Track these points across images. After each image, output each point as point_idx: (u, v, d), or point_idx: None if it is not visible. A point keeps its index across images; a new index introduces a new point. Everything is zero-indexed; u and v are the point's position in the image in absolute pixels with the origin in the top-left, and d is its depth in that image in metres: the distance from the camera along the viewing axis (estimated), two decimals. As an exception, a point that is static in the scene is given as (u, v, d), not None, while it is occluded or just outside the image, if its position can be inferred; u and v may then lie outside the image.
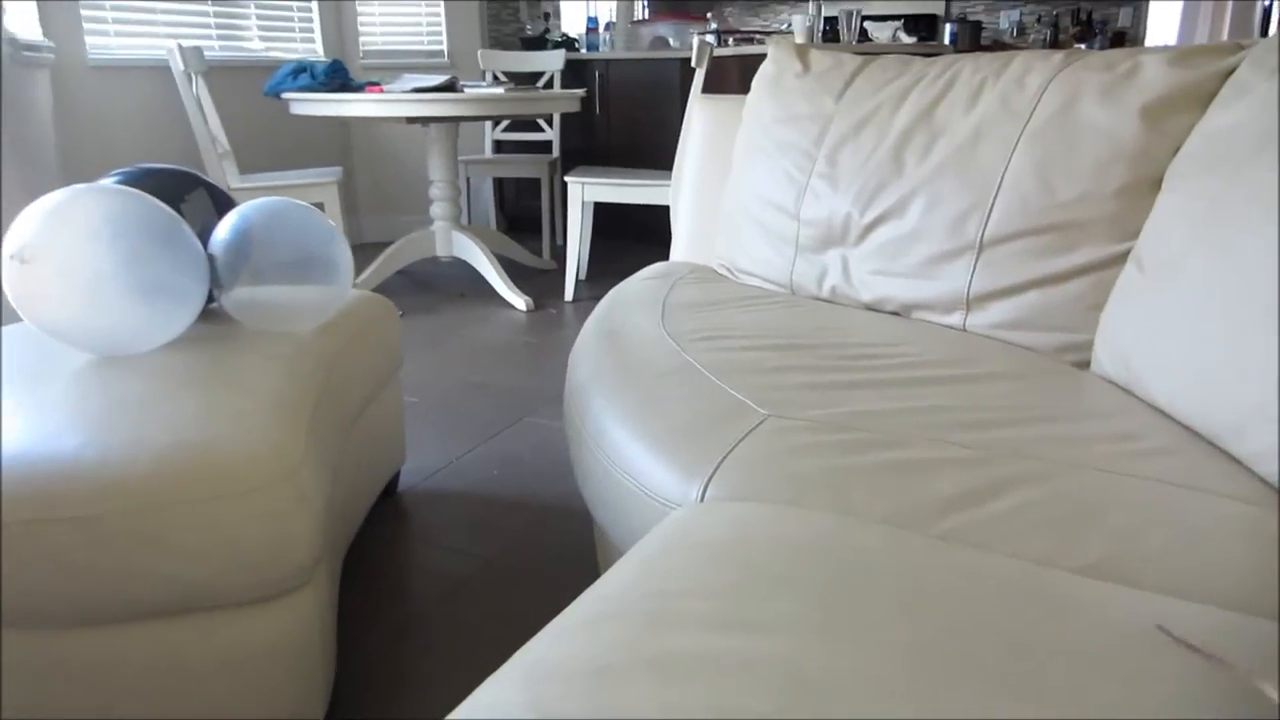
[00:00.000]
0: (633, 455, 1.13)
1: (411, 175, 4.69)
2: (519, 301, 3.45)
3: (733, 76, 4.21)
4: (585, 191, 3.53)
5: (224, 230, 1.39)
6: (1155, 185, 1.42)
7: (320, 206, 3.29)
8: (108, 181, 1.39)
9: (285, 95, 3.17)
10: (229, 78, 3.80)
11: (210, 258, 1.37)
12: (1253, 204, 1.15)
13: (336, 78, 3.20)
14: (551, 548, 1.78)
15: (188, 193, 1.46)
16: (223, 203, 1.50)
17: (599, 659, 0.67)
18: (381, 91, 3.11)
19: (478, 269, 3.59)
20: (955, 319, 1.59)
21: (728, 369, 1.28)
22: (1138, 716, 0.64)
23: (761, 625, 0.70)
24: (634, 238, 4.59)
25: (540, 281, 3.84)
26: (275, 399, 1.23)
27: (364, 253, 3.89)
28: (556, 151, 4.40)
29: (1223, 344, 1.10)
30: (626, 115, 4.61)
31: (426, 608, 1.59)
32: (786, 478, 0.99)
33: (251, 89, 3.57)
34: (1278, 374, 1.00)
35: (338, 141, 4.59)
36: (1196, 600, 0.80)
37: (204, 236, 1.41)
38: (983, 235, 1.54)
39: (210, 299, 1.43)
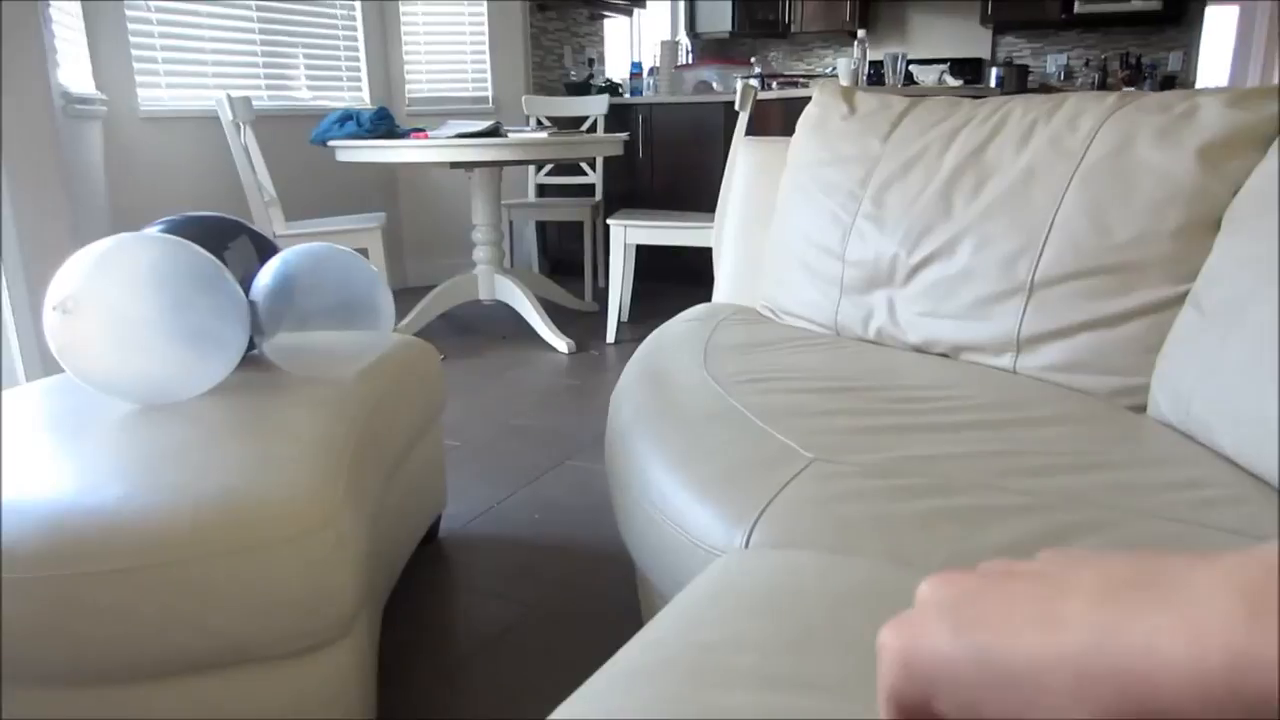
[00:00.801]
0: (676, 500, 1.11)
1: (455, 220, 4.75)
2: (561, 344, 3.45)
3: (777, 120, 4.22)
4: (627, 234, 3.54)
5: (266, 276, 1.40)
6: (1214, 226, 1.38)
7: (364, 251, 3.34)
8: (152, 230, 1.41)
9: (331, 143, 3.24)
10: (277, 126, 3.90)
11: (252, 304, 1.39)
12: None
13: (382, 125, 3.26)
14: (594, 593, 1.75)
15: (231, 240, 1.48)
16: (265, 249, 1.52)
17: (646, 715, 0.64)
18: (426, 137, 3.16)
19: (520, 311, 3.61)
20: (1005, 361, 1.55)
21: (772, 412, 1.26)
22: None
23: (813, 682, 0.66)
24: (676, 280, 4.59)
25: (582, 324, 3.85)
26: (315, 445, 1.22)
27: (408, 297, 3.93)
28: (599, 195, 4.43)
29: (1292, 387, 1.06)
30: (669, 159, 4.64)
31: (468, 655, 1.57)
32: (834, 524, 0.96)
33: (299, 137, 3.65)
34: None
35: (383, 187, 4.67)
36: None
37: (246, 283, 1.43)
38: (1034, 276, 1.51)
39: (251, 345, 1.44)
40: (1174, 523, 0.97)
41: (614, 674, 0.71)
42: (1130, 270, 1.43)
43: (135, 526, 1.01)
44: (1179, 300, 1.39)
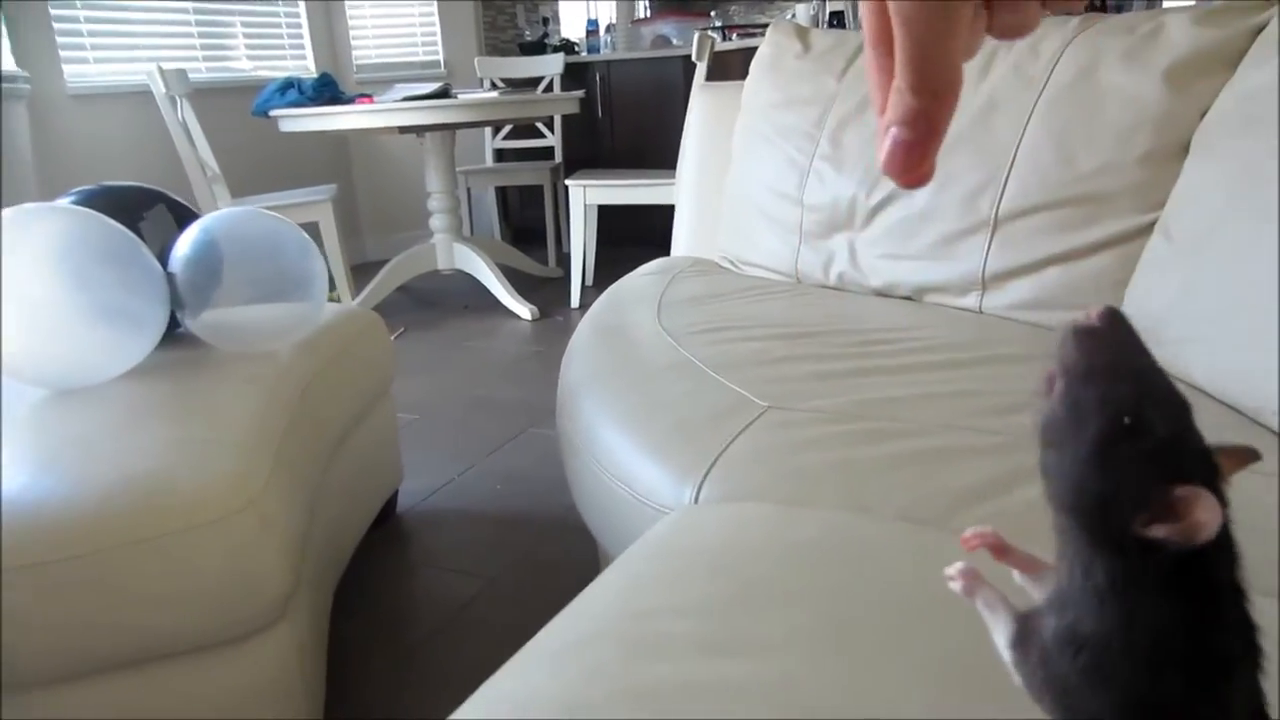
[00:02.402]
0: (624, 458, 1.04)
1: (412, 190, 4.62)
2: (524, 311, 3.36)
3: (736, 72, 4.10)
4: (587, 194, 3.44)
5: (185, 246, 1.31)
6: (1182, 151, 1.31)
7: (316, 226, 3.23)
8: (63, 202, 1.31)
9: (274, 113, 3.11)
10: (217, 99, 3.74)
11: (170, 276, 1.30)
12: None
13: (326, 91, 3.14)
14: (559, 565, 1.69)
15: (146, 209, 1.38)
16: (186, 218, 1.42)
17: (569, 693, 0.58)
18: (372, 103, 3.04)
19: (481, 280, 3.51)
20: (971, 300, 1.48)
21: (727, 363, 1.19)
22: None
23: (757, 646, 0.60)
24: (641, 242, 4.48)
25: (546, 290, 3.76)
26: (239, 425, 1.14)
27: (367, 271, 3.82)
28: (559, 158, 4.32)
29: (1266, 314, 1.00)
30: (630, 118, 4.53)
31: (428, 636, 1.50)
32: (789, 473, 0.89)
33: (241, 110, 3.50)
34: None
35: (334, 160, 4.53)
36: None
37: (165, 255, 1.33)
38: (997, 211, 1.44)
39: (176, 323, 1.35)
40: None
41: (540, 650, 0.65)
42: (1097, 200, 1.37)
43: (38, 520, 0.93)
44: (1148, 230, 1.32)
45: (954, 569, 0.35)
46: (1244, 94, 1.22)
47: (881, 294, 1.60)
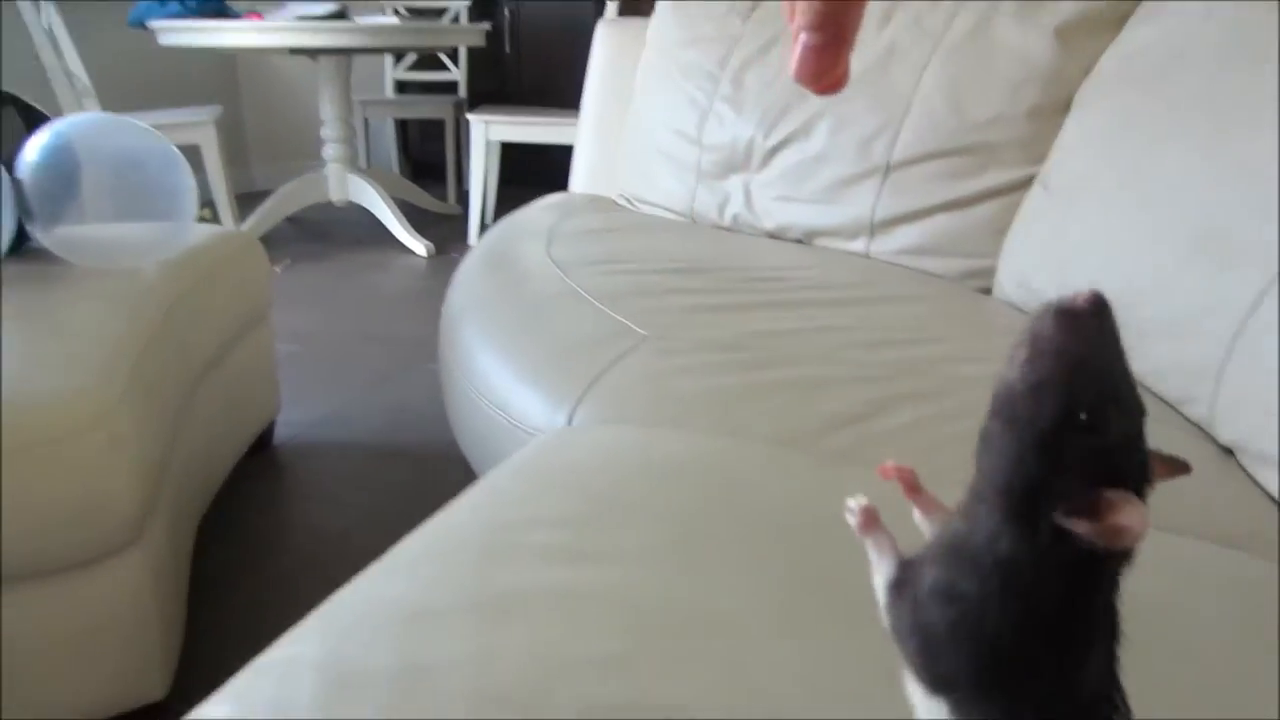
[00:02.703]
0: (500, 383, 1.02)
1: (305, 118, 4.41)
2: (419, 247, 3.28)
3: (648, 8, 4.05)
4: (489, 130, 3.36)
5: (34, 151, 1.21)
6: (1067, 107, 1.34)
7: (197, 149, 3.06)
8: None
9: (152, 24, 2.92)
10: (88, 5, 3.46)
11: (18, 184, 1.20)
12: (1171, 115, 1.08)
13: (211, 4, 2.96)
14: (440, 495, 1.64)
15: (-8, 108, 1.27)
16: (38, 122, 1.32)
17: (417, 602, 0.56)
18: (262, 19, 2.88)
19: (375, 214, 3.40)
20: (859, 245, 1.50)
21: (612, 294, 1.17)
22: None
23: (610, 557, 0.59)
24: (544, 183, 4.38)
25: (444, 227, 3.67)
26: (91, 341, 1.07)
27: (255, 200, 3.64)
28: (463, 92, 4.19)
29: (1127, 262, 1.03)
30: (538, 54, 4.42)
31: (299, 567, 1.46)
32: (664, 399, 0.89)
33: (116, 19, 3.25)
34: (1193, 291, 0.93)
35: (220, 81, 4.29)
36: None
37: (12, 160, 1.23)
38: (891, 157, 1.46)
39: (26, 236, 1.26)
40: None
41: (392, 563, 0.63)
42: (985, 151, 1.39)
43: None
44: (1030, 181, 1.36)
45: (855, 503, 0.35)
46: (1125, 54, 1.26)
47: (774, 236, 1.61)
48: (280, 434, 1.86)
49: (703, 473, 0.71)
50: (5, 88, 1.50)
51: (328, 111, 3.29)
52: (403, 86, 4.40)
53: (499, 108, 3.64)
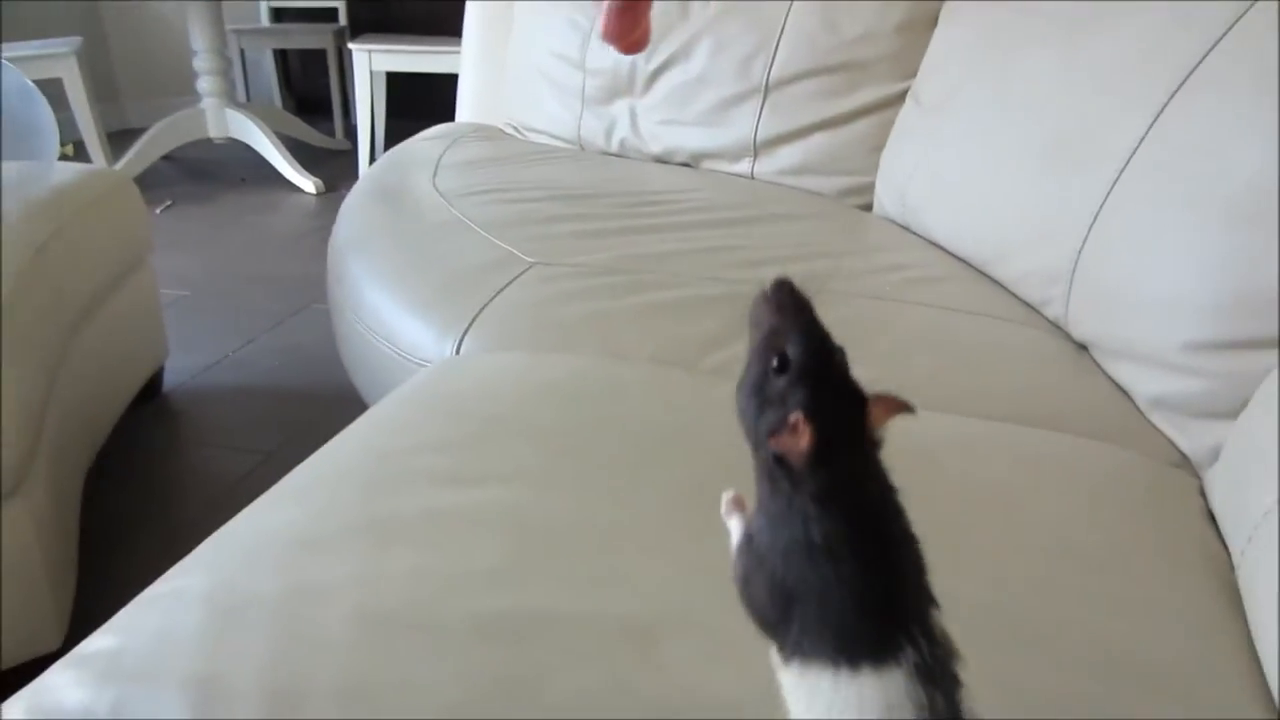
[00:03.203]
0: (387, 316, 1.02)
1: (178, 51, 4.19)
2: (307, 184, 3.17)
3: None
4: (373, 60, 3.25)
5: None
6: (934, 21, 1.38)
7: (59, 84, 2.88)
8: None
9: (-2, -50, 2.71)
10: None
11: None
12: (1031, 22, 1.12)
13: (61, -71, 2.76)
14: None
15: None
16: (-124, 53, 1.23)
17: (303, 530, 0.58)
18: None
19: (259, 151, 3.27)
20: (744, 166, 1.53)
21: (498, 222, 1.17)
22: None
23: (495, 477, 0.62)
24: (434, 115, 4.29)
25: (333, 164, 3.55)
26: (-44, 283, 1.03)
27: (128, 140, 3.46)
28: (344, 20, 4.02)
29: (991, 172, 1.08)
30: (420, -20, 4.26)
31: (200, 512, 1.44)
32: (550, 325, 0.91)
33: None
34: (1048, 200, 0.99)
35: (80, 12, 4.02)
36: (968, 414, 0.78)
37: None
38: (769, 76, 1.48)
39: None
40: (877, 301, 0.98)
41: (280, 492, 0.64)
42: (857, 68, 1.42)
43: None
44: (902, 98, 1.40)
45: (727, 494, 0.40)
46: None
47: (661, 160, 1.62)
48: (170, 381, 1.81)
49: (584, 394, 0.74)
50: None
51: (198, 41, 3.13)
52: (279, 15, 4.20)
53: (382, 36, 3.51)
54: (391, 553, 0.54)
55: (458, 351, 0.90)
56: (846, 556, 0.33)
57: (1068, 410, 0.80)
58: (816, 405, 0.33)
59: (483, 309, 0.94)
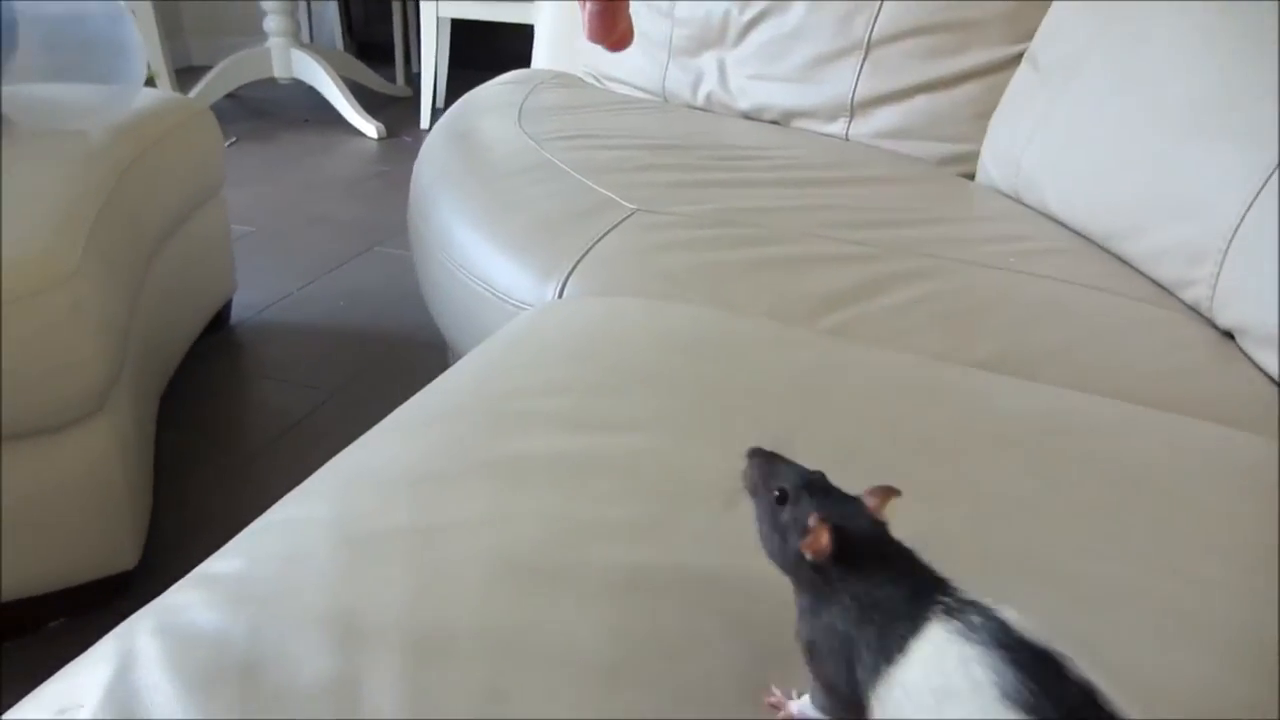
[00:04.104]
0: (481, 256, 0.98)
1: (244, -11, 4.17)
2: (369, 129, 3.14)
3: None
4: (440, 7, 3.20)
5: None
6: (1055, -21, 1.31)
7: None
8: None
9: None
10: None
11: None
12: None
13: None
14: (402, 378, 1.62)
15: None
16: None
17: (424, 465, 0.55)
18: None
19: (322, 93, 3.24)
20: (838, 127, 1.47)
21: (591, 167, 1.13)
22: (1045, 502, 0.57)
23: (620, 424, 0.58)
24: (497, 65, 4.23)
25: (394, 110, 3.52)
26: (46, 202, 1.01)
27: (192, 77, 3.45)
28: (409, -34, 3.98)
29: (1122, 140, 1.02)
30: (487, -71, 4.18)
31: (263, 445, 1.43)
32: (657, 273, 0.87)
33: None
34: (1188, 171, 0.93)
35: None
36: (1098, 393, 0.73)
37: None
38: (871, 33, 1.41)
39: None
40: (994, 270, 0.93)
41: (400, 422, 0.61)
42: (969, 27, 1.36)
43: None
44: (1015, 61, 1.33)
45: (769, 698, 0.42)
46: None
47: (749, 117, 1.57)
48: (235, 315, 1.80)
49: (707, 344, 0.70)
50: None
51: (268, -21, 3.09)
52: (345, -43, 4.15)
53: (450, -18, 3.45)
54: (523, 495, 0.51)
55: (560, 295, 0.87)
56: (881, 609, 0.37)
57: (1214, 398, 0.75)
58: (823, 509, 0.38)
59: (586, 253, 0.90)
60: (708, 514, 0.50)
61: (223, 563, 0.48)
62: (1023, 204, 1.19)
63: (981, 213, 1.14)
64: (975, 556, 0.49)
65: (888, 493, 0.39)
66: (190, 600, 0.44)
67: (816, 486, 0.40)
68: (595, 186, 1.05)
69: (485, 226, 1.02)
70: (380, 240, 2.27)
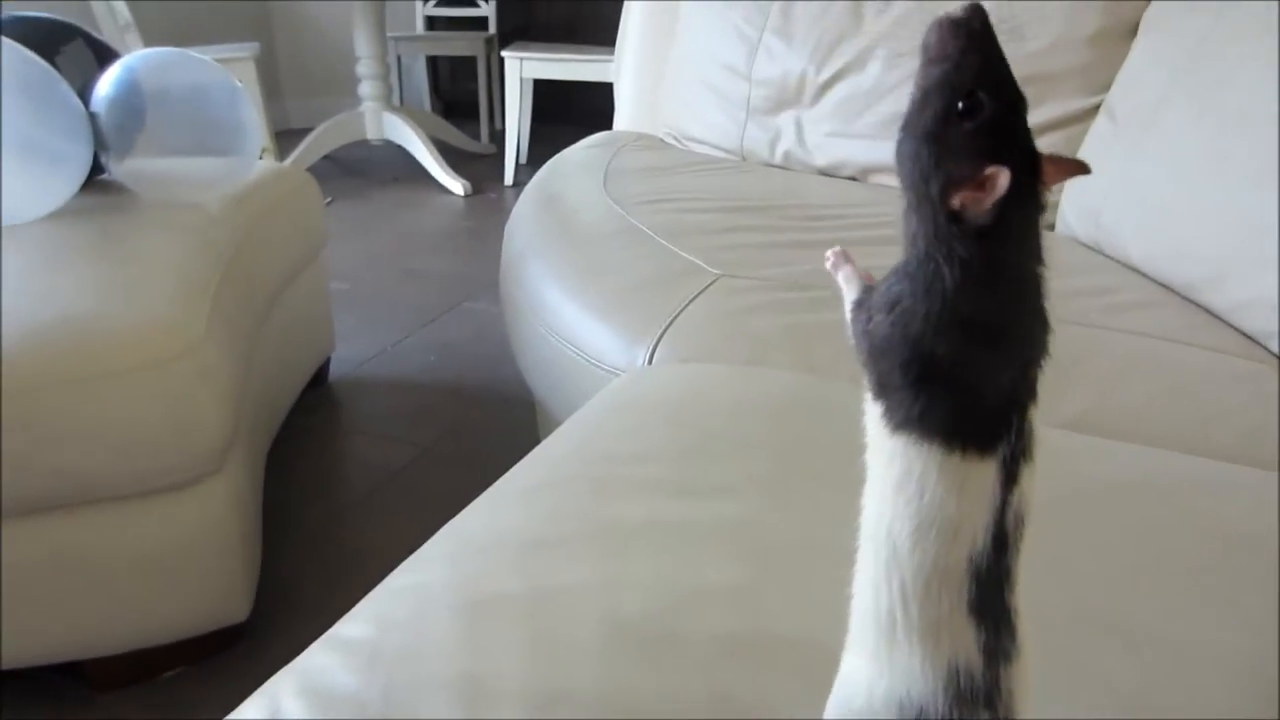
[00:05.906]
0: (572, 320, 1.03)
1: (338, 54, 4.38)
2: (456, 186, 3.27)
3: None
4: (524, 67, 3.32)
5: (107, 85, 1.23)
6: (1131, 31, 1.32)
7: (236, 84, 3.05)
8: (-34, 28, 1.21)
9: (189, -42, 2.89)
10: (128, -58, 3.45)
11: (93, 116, 1.21)
12: (1241, 39, 1.06)
13: (245, -61, 2.92)
14: (493, 434, 1.69)
15: (64, 44, 1.28)
16: (106, 56, 1.32)
17: (535, 531, 0.58)
18: (296, -46, 2.85)
19: (411, 152, 3.39)
20: (916, 181, 1.49)
21: (675, 231, 1.18)
22: (1139, 563, 0.58)
23: (718, 490, 0.61)
24: (577, 120, 4.34)
25: (478, 166, 3.66)
26: (174, 271, 1.10)
27: (290, 139, 3.64)
28: (493, 28, 4.14)
29: (1204, 190, 1.02)
30: (566, -11, 4.34)
31: (360, 498, 1.50)
32: (743, 338, 0.90)
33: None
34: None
35: (254, 17, 4.26)
36: (1185, 451, 0.73)
37: (85, 94, 1.25)
38: (947, 90, 1.44)
39: (100, 168, 1.28)
40: (1085, 328, 0.94)
41: (503, 493, 0.65)
42: (1044, 80, 1.37)
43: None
44: (1093, 112, 1.34)
45: (830, 250, 0.40)
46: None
47: (826, 174, 1.60)
48: (333, 371, 1.89)
49: (794, 408, 0.73)
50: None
51: (363, 48, 3.26)
52: (432, 23, 4.35)
53: (532, 44, 3.59)
54: (628, 561, 0.55)
55: (650, 361, 0.90)
56: (996, 340, 0.31)
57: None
58: (1009, 159, 0.30)
59: (674, 319, 0.94)
60: (805, 582, 0.53)
61: (353, 627, 0.52)
62: (1104, 255, 1.19)
63: (1065, 265, 1.14)
64: (1067, 619, 0.51)
65: (1073, 168, 0.33)
66: (327, 663, 0.48)
67: (1019, 121, 0.32)
68: (680, 252, 1.09)
69: (575, 292, 1.07)
70: (469, 295, 2.36)
